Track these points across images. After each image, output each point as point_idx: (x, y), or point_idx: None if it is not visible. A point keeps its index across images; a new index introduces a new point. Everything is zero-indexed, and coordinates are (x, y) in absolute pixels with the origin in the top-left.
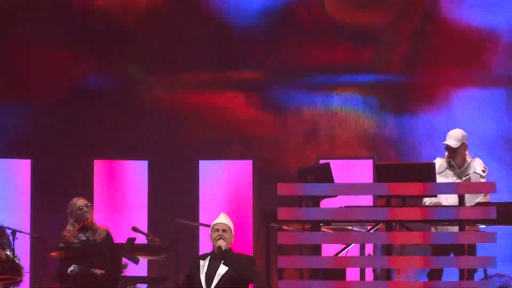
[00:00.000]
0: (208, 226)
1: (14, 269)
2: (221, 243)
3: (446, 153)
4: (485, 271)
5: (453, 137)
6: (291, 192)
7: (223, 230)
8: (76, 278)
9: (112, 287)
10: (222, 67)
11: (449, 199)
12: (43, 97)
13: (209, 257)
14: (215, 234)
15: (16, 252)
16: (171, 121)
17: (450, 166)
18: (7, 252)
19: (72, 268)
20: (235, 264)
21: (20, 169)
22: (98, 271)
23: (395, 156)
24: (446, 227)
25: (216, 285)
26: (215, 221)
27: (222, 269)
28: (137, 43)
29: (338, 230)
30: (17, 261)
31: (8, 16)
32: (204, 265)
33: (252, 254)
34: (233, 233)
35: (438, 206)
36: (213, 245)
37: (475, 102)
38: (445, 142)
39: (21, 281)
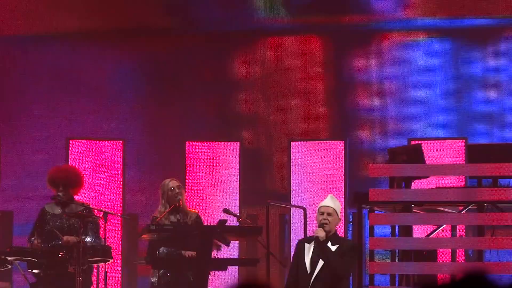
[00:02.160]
0: (300, 207)
1: (105, 251)
2: (320, 233)
3: None
4: None
5: None
6: (383, 173)
7: (328, 214)
8: (167, 260)
9: (204, 269)
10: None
11: None
12: None
13: (313, 242)
14: (320, 218)
15: (107, 234)
16: (260, 102)
17: None
18: (85, 238)
19: (161, 250)
20: (330, 255)
21: (112, 151)
22: (188, 253)
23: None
24: None
25: (319, 272)
26: (321, 203)
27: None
28: None
29: (430, 211)
30: (99, 244)
31: None
32: (309, 248)
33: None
34: (339, 215)
35: None
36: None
37: None
38: None
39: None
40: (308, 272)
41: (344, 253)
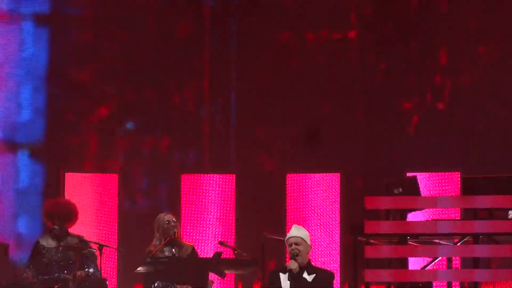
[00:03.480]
0: None
1: (100, 284)
2: (292, 266)
3: None
4: None
5: None
6: (379, 206)
7: (296, 244)
8: None
9: None
10: None
11: None
12: None
13: (287, 274)
14: (289, 249)
15: (102, 266)
16: (261, 134)
17: None
18: (89, 270)
19: (156, 284)
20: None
21: (107, 184)
22: (182, 287)
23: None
24: None
25: None
26: (287, 235)
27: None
28: None
29: (425, 243)
30: (99, 276)
31: None
32: (285, 280)
33: (332, 270)
34: (308, 242)
35: None
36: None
37: None
38: None
39: None
40: None
41: (319, 283)
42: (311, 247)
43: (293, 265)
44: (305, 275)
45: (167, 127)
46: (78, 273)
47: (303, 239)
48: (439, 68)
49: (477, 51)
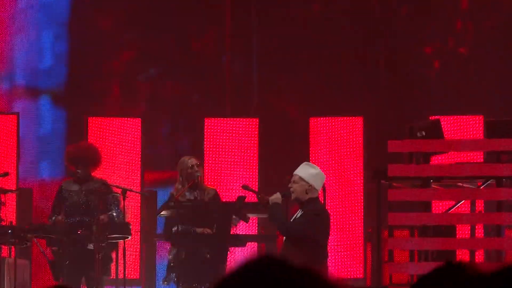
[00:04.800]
0: None
1: (124, 228)
2: (273, 196)
3: None
4: None
5: None
6: (402, 149)
7: (294, 181)
8: (183, 237)
9: (222, 246)
10: None
11: None
12: None
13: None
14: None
15: (126, 210)
16: (283, 78)
17: None
18: (112, 214)
19: (175, 228)
20: (276, 215)
21: (129, 128)
22: (202, 230)
23: None
24: None
25: (285, 240)
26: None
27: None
28: None
29: (449, 187)
30: (122, 220)
31: None
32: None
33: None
34: (310, 182)
35: None
36: None
37: None
38: None
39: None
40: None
41: (302, 215)
42: (311, 186)
43: (275, 195)
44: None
45: (188, 73)
46: (102, 217)
47: (300, 177)
48: (460, 12)
49: None
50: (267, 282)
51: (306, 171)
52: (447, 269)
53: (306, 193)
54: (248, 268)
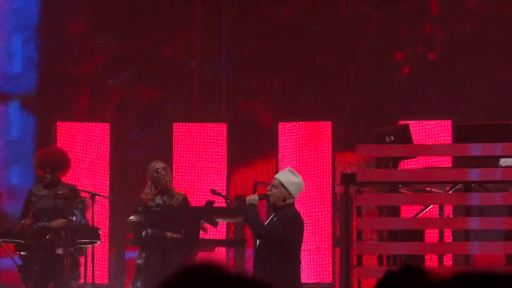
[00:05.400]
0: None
1: (90, 233)
2: (249, 197)
3: None
4: None
5: None
6: (371, 154)
7: (273, 185)
8: (152, 242)
9: (191, 250)
10: None
11: None
12: None
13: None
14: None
15: (95, 215)
16: (252, 83)
17: None
18: (72, 218)
19: (145, 232)
20: (249, 219)
21: (98, 133)
22: (171, 235)
23: None
24: None
25: (258, 245)
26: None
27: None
28: None
29: (417, 191)
30: (84, 225)
31: None
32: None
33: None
34: (289, 189)
35: None
36: None
37: None
38: None
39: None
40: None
41: (276, 220)
42: (290, 195)
43: (252, 196)
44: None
45: (158, 77)
46: (58, 222)
47: (282, 184)
48: (430, 18)
49: (469, 0)
50: None
51: (288, 178)
52: (404, 273)
53: (284, 200)
54: (183, 276)
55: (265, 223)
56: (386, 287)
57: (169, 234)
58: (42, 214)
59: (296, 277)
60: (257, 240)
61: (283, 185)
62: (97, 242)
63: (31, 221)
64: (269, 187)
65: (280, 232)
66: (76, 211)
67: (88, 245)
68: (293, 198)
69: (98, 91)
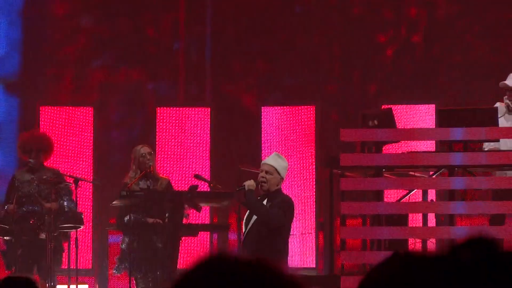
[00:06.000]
0: None
1: (76, 218)
2: (247, 183)
3: (505, 96)
4: None
5: None
6: (354, 138)
7: (267, 172)
8: (134, 227)
9: (174, 235)
10: None
11: (509, 144)
12: None
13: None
14: (259, 176)
15: (78, 200)
16: (236, 67)
17: (509, 110)
18: (63, 202)
19: (128, 217)
20: (254, 203)
21: (82, 117)
22: (152, 220)
23: None
24: (505, 171)
25: (249, 229)
26: (264, 160)
27: None
28: None
29: (401, 176)
30: (74, 210)
31: None
32: None
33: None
34: (281, 174)
35: (497, 151)
36: None
37: None
38: (503, 82)
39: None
40: (243, 230)
41: (272, 205)
42: (283, 179)
43: (249, 182)
44: (265, 202)
45: (142, 60)
46: (47, 205)
47: (276, 169)
48: (415, 0)
49: None
50: (221, 281)
51: (280, 164)
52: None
53: (277, 185)
54: (201, 268)
55: (252, 201)
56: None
57: (150, 220)
58: (27, 199)
59: (286, 260)
60: (249, 223)
61: (277, 171)
62: (80, 227)
63: (15, 206)
64: (261, 174)
65: (283, 217)
66: (64, 197)
67: (72, 230)
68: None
69: (82, 73)
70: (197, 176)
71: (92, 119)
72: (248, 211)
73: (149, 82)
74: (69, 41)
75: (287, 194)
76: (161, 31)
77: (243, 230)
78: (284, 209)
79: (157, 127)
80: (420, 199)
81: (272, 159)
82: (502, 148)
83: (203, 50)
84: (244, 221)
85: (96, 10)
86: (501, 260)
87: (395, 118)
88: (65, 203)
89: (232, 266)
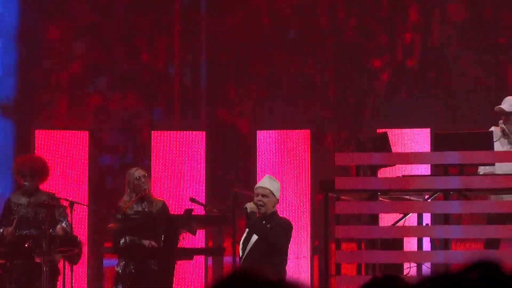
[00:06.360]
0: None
1: (72, 241)
2: (249, 205)
3: (500, 121)
4: None
5: (508, 101)
6: (349, 162)
7: (263, 195)
8: (130, 250)
9: (169, 258)
10: None
11: (504, 168)
12: None
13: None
14: (255, 199)
15: (73, 223)
16: (231, 91)
17: (504, 134)
18: (63, 225)
19: (123, 240)
20: (258, 227)
21: (77, 141)
22: (148, 243)
23: None
24: (501, 195)
25: (249, 251)
26: (258, 184)
27: (256, 236)
28: None
29: (396, 200)
30: (71, 232)
31: None
32: (246, 231)
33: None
34: (277, 196)
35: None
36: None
37: None
38: (498, 106)
39: (79, 252)
40: (239, 253)
41: (274, 227)
42: (278, 200)
43: (250, 204)
44: (247, 224)
45: (137, 85)
46: (57, 228)
47: (271, 192)
48: (409, 25)
49: (447, 9)
50: None
51: (274, 186)
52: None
53: (273, 206)
54: (228, 283)
55: (262, 231)
56: None
57: (146, 243)
58: (23, 223)
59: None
60: (247, 245)
61: (272, 193)
62: (75, 251)
63: (11, 230)
64: (258, 198)
65: (285, 239)
66: (61, 220)
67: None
68: None
69: (77, 98)
70: (192, 200)
71: (87, 143)
72: (246, 233)
73: (144, 107)
74: (64, 66)
75: (283, 217)
76: (156, 56)
77: (240, 253)
78: (285, 231)
79: (152, 150)
80: (415, 223)
81: (267, 182)
82: (497, 172)
83: (198, 75)
84: (241, 243)
85: (90, 35)
86: (507, 281)
87: (391, 142)
88: (64, 225)
89: (258, 284)
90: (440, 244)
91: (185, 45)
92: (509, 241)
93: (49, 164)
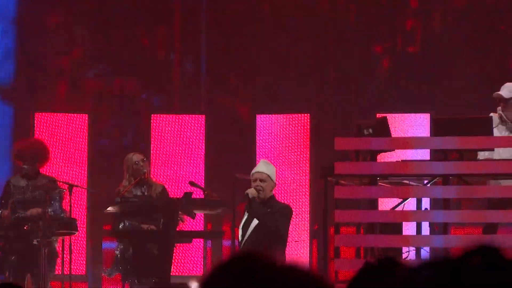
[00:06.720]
0: None
1: (68, 223)
2: (250, 191)
3: (499, 107)
4: None
5: (507, 87)
6: (349, 147)
7: (261, 180)
8: (129, 233)
9: (168, 242)
10: None
11: (502, 154)
12: None
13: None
14: (253, 185)
15: (72, 206)
16: (231, 76)
17: (502, 120)
18: (48, 209)
19: (122, 224)
20: (260, 212)
21: (76, 124)
22: (147, 227)
23: None
24: (499, 181)
25: (249, 236)
26: (254, 170)
27: (256, 221)
28: None
29: (395, 184)
30: (60, 216)
31: None
32: (245, 215)
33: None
34: (274, 180)
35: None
36: None
37: None
38: (497, 92)
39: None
40: (239, 236)
41: (274, 212)
42: (276, 184)
43: (251, 190)
44: (248, 209)
45: (137, 69)
46: (34, 210)
47: (269, 176)
48: (410, 11)
49: None
50: (255, 281)
51: (270, 170)
52: (380, 265)
53: (271, 191)
54: (232, 266)
55: (263, 215)
56: (365, 278)
57: (145, 226)
58: (22, 205)
59: None
60: (247, 229)
61: (270, 177)
62: (74, 233)
63: (9, 211)
64: (256, 183)
65: (285, 224)
66: (53, 202)
67: (65, 236)
68: None
69: (77, 82)
70: (191, 183)
71: (87, 126)
72: (245, 218)
73: (144, 91)
74: (64, 51)
75: (283, 201)
76: (156, 41)
77: (240, 237)
78: (286, 216)
79: (151, 134)
80: (414, 208)
81: (264, 167)
82: (495, 157)
83: (198, 60)
84: (241, 227)
85: (91, 20)
86: (508, 266)
87: (390, 127)
88: (50, 209)
89: (266, 267)
90: (439, 229)
91: (185, 31)
92: (507, 226)
93: (49, 147)
